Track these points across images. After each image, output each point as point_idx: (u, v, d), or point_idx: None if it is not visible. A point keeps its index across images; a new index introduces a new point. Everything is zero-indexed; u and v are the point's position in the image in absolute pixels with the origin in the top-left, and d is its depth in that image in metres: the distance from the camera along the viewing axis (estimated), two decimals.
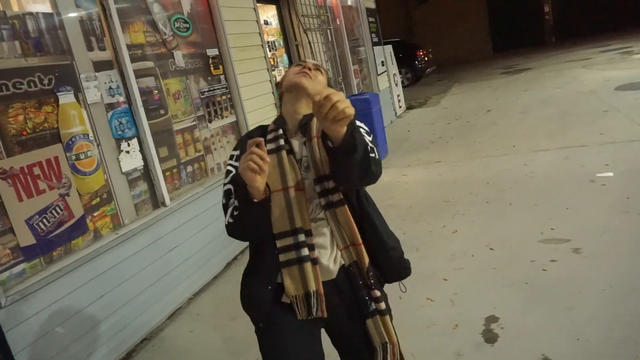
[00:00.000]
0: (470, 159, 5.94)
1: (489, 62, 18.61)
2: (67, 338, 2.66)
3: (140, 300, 3.17)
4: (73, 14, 3.02)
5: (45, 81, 2.78)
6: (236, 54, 4.61)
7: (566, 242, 3.40)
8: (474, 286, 3.10)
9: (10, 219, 2.52)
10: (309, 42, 6.21)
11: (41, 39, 2.80)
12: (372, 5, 9.66)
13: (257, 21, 5.05)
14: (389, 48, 10.23)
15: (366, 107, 6.57)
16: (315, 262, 1.48)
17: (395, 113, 10.04)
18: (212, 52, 4.36)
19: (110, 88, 3.23)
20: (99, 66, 3.16)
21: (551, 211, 3.95)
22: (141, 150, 3.42)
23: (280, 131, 1.54)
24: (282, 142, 1.51)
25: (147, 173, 3.47)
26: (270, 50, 5.80)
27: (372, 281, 1.52)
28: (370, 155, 1.37)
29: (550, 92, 9.30)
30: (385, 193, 5.32)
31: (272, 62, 5.81)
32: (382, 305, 1.52)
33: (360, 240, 1.51)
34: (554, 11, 21.76)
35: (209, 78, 4.32)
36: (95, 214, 3.03)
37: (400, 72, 15.13)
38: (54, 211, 2.74)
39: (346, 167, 1.35)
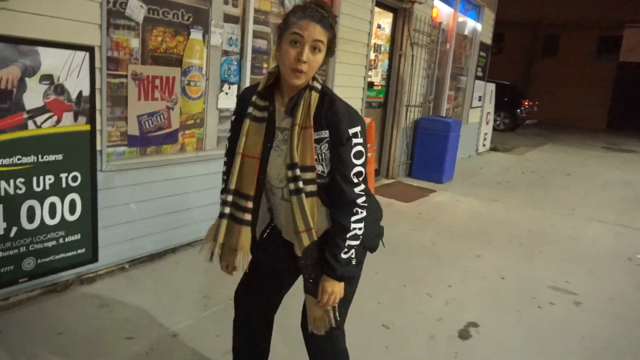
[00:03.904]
0: (526, 207, 6.12)
1: (595, 134, 17.93)
2: (135, 214, 3.35)
3: (197, 213, 3.80)
4: None
5: (185, 17, 3.48)
6: (341, 44, 5.16)
7: (573, 294, 3.64)
8: (471, 298, 3.44)
9: (128, 111, 3.24)
10: (412, 55, 6.65)
11: None
12: (488, 41, 9.86)
13: (370, 22, 5.58)
14: (491, 86, 10.39)
15: (445, 130, 6.93)
16: (243, 223, 1.69)
17: (477, 149, 10.20)
18: None
19: (230, 38, 3.90)
20: (228, 18, 3.84)
21: (574, 269, 4.15)
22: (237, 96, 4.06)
23: (255, 99, 1.65)
24: (250, 109, 1.65)
25: None
26: (374, 52, 6.30)
27: (311, 267, 1.68)
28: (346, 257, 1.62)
29: None
30: (434, 210, 5.68)
31: (373, 63, 6.31)
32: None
33: (313, 226, 1.63)
34: None
35: None
36: (186, 132, 3.71)
37: (498, 115, 15.19)
38: (159, 117, 3.44)
39: None
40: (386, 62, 6.64)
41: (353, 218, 1.60)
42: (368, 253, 1.82)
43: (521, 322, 3.16)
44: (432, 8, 7.07)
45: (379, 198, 5.79)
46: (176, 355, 2.47)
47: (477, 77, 9.47)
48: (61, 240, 2.91)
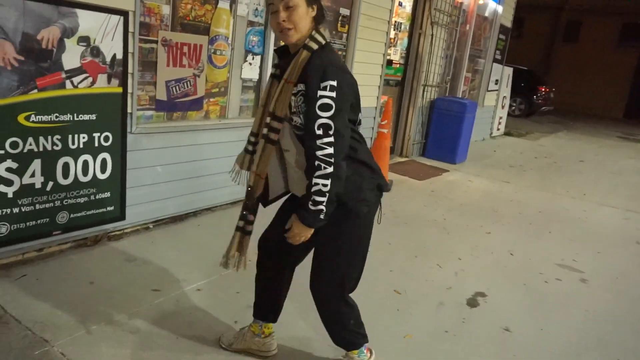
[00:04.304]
0: (537, 190, 6.20)
1: (612, 123, 17.79)
2: (161, 177, 3.49)
3: (218, 179, 3.92)
4: None
5: None
6: (363, 20, 5.22)
7: (579, 272, 3.75)
8: (479, 271, 3.57)
9: (157, 76, 3.36)
10: (432, 35, 6.66)
11: None
12: (508, 24, 9.79)
13: None
14: (508, 70, 10.35)
15: (461, 110, 6.97)
16: (251, 153, 1.99)
17: (491, 133, 10.21)
18: (344, 11, 5.01)
19: (256, 9, 3.98)
20: None
21: (583, 249, 4.25)
22: (260, 66, 4.16)
23: (275, 59, 1.96)
24: (272, 69, 1.93)
25: (258, 86, 4.21)
26: (394, 30, 6.33)
27: (250, 207, 1.97)
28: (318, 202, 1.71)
29: None
30: (446, 188, 5.78)
31: (392, 41, 6.35)
32: (248, 228, 1.99)
33: (263, 176, 1.90)
34: None
35: (334, 32, 4.97)
36: (211, 100, 3.83)
37: (514, 101, 15.10)
38: (185, 83, 3.56)
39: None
40: (406, 40, 6.67)
41: (316, 173, 1.67)
42: (376, 222, 1.98)
43: (527, 294, 3.28)
44: None
45: (392, 175, 5.92)
46: (200, 307, 2.63)
47: (495, 60, 9.44)
48: (92, 197, 3.06)
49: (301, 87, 1.72)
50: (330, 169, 1.67)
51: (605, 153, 10.25)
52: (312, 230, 1.81)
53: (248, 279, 2.83)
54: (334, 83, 1.66)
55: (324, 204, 1.70)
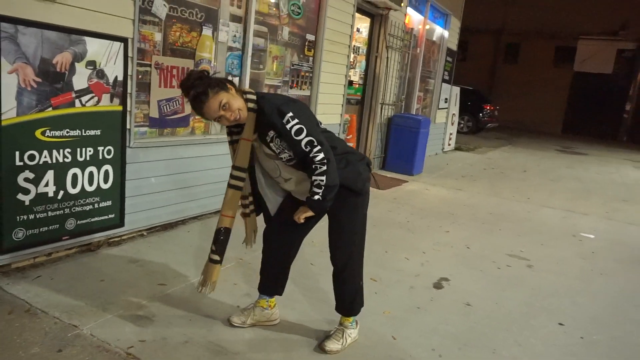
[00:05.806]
0: (487, 195, 6.85)
1: (551, 138, 19.13)
2: (154, 187, 3.82)
3: (204, 189, 4.29)
4: None
5: (199, 16, 3.99)
6: (327, 45, 5.74)
7: (526, 260, 4.31)
8: (441, 261, 4.07)
9: (150, 96, 3.72)
10: (387, 57, 7.29)
11: None
12: (454, 47, 10.65)
13: (352, 26, 6.18)
14: (456, 89, 11.19)
15: (416, 126, 7.60)
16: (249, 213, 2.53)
17: (443, 148, 10.96)
18: (310, 37, 5.52)
19: (234, 36, 4.42)
20: (233, 18, 4.36)
21: (528, 242, 4.85)
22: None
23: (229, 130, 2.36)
24: (228, 137, 2.38)
25: None
26: (353, 53, 6.90)
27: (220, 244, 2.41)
28: (321, 194, 2.16)
29: (588, 174, 10.03)
30: (407, 196, 6.32)
31: (352, 63, 6.91)
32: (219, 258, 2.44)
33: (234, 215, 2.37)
34: (635, 112, 21.90)
35: (301, 56, 5.47)
36: (196, 117, 4.20)
37: (462, 118, 16.09)
38: (174, 103, 3.93)
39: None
40: (364, 62, 7.26)
41: (315, 172, 2.14)
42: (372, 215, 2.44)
43: (483, 278, 3.80)
44: (405, 15, 7.74)
45: None
46: (206, 295, 2.97)
47: (444, 80, 10.22)
48: (96, 205, 3.36)
49: (272, 133, 2.18)
50: (324, 168, 2.15)
51: (545, 163, 11.19)
52: (310, 212, 2.24)
53: (242, 273, 3.24)
54: (291, 113, 2.14)
55: (321, 193, 2.17)
